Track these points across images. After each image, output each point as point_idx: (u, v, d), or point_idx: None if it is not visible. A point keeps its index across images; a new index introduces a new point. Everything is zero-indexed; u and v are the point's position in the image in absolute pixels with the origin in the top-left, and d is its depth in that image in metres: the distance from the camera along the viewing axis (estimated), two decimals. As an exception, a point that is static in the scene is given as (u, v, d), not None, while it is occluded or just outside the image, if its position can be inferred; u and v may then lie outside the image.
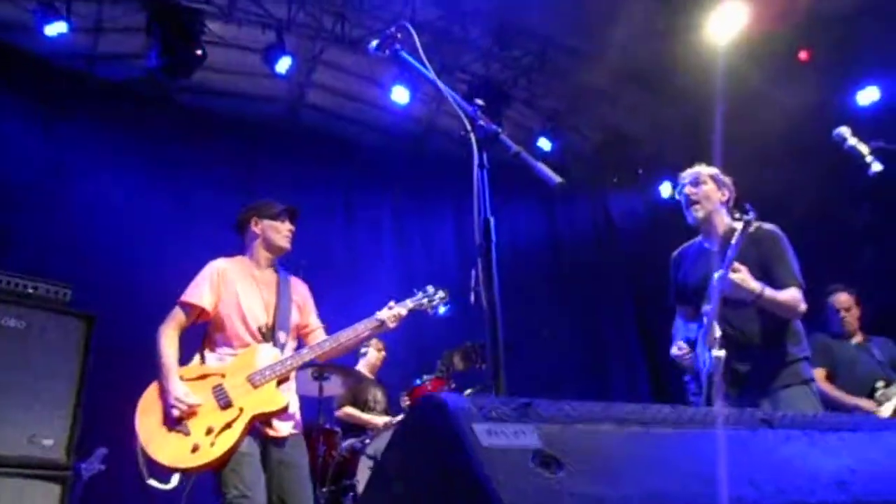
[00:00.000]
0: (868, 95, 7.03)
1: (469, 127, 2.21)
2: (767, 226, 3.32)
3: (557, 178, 2.11)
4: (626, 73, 7.88)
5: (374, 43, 2.59)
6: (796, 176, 6.32)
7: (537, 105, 8.47)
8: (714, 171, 3.48)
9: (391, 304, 3.49)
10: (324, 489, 4.73)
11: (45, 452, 3.96)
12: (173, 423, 3.05)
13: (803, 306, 3.20)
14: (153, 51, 6.27)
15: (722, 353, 3.08)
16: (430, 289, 3.62)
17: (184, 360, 3.27)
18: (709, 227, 3.43)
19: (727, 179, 3.48)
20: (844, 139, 3.05)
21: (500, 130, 2.20)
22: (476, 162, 2.14)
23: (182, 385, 3.11)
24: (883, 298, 5.71)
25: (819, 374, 4.55)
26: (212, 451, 3.00)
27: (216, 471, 3.04)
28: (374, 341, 5.90)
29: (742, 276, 3.08)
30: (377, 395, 5.85)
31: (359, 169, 8.40)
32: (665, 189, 8.91)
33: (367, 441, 4.90)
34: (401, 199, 8.80)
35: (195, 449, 3.00)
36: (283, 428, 3.24)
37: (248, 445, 3.09)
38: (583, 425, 1.12)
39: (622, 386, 9.38)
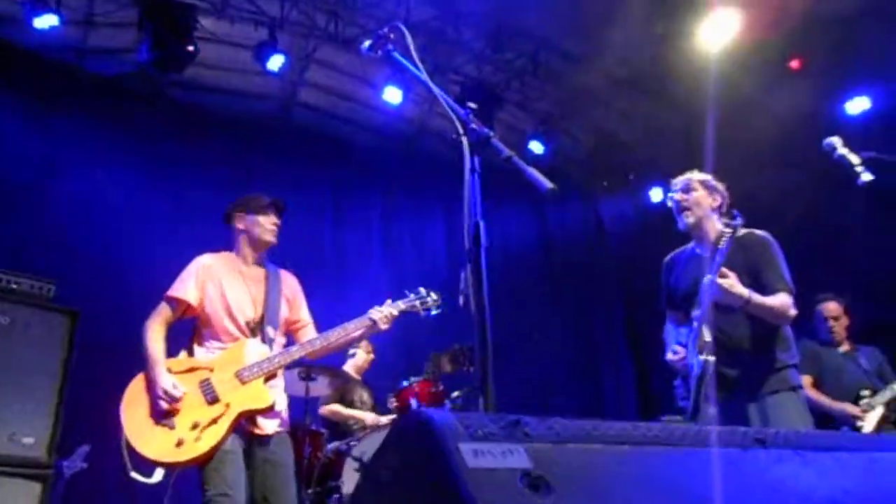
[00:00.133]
0: (858, 105, 7.06)
1: (461, 130, 2.19)
2: (758, 232, 3.35)
3: (549, 184, 2.09)
4: (620, 77, 7.89)
5: (367, 43, 2.57)
6: (788, 183, 6.34)
7: (530, 108, 8.46)
8: (705, 177, 3.49)
9: (387, 302, 3.46)
10: (309, 490, 4.70)
11: (26, 451, 3.92)
12: (159, 416, 3.03)
13: (793, 312, 3.21)
14: (144, 45, 6.21)
15: (711, 357, 3.09)
16: (423, 291, 3.57)
17: (170, 356, 3.23)
18: (700, 232, 3.44)
19: (719, 185, 3.48)
20: (835, 149, 3.06)
21: (491, 134, 2.18)
22: (467, 166, 2.12)
23: (170, 376, 3.09)
24: (871, 307, 5.73)
25: (805, 381, 4.55)
26: (196, 447, 2.98)
27: (200, 466, 3.01)
28: (363, 343, 5.88)
29: (730, 281, 3.09)
30: (363, 395, 5.84)
31: (350, 168, 8.36)
32: (655, 194, 8.94)
33: (353, 443, 4.88)
34: (391, 199, 8.78)
35: (180, 444, 2.97)
36: (268, 426, 3.21)
37: (231, 443, 3.06)
38: (573, 445, 1.10)
39: (611, 388, 9.40)
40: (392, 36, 2.50)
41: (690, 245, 3.56)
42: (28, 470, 3.91)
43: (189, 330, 3.39)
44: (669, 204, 3.54)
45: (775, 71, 6.98)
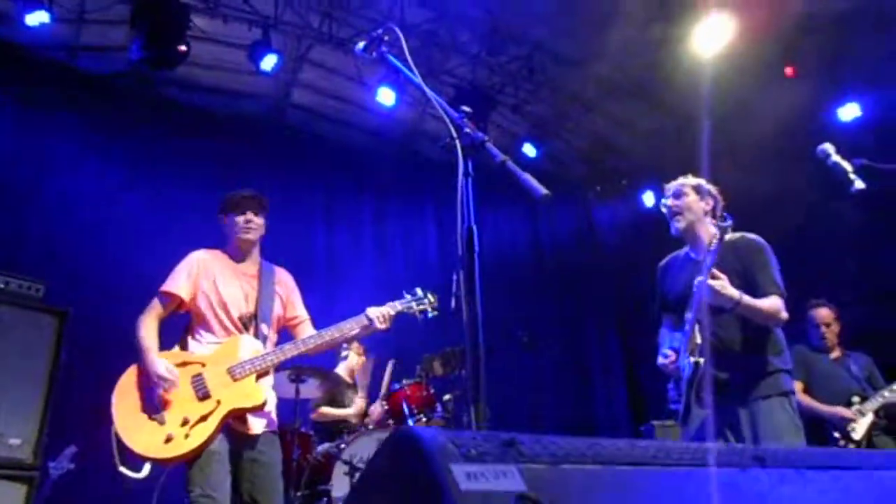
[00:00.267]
0: (849, 111, 7.09)
1: (455, 134, 2.17)
2: (750, 236, 3.37)
3: (543, 190, 2.07)
4: (614, 82, 7.90)
5: (361, 44, 2.56)
6: (781, 187, 6.35)
7: (524, 111, 8.45)
8: (697, 181, 3.50)
9: (387, 304, 3.43)
10: (298, 493, 4.66)
11: (12, 452, 3.89)
12: (150, 409, 3.01)
13: (784, 314, 3.21)
14: (135, 43, 6.15)
15: (701, 359, 3.09)
16: (420, 291, 3.52)
17: (163, 350, 3.20)
18: (693, 237, 3.45)
19: (712, 188, 3.49)
20: (828, 155, 3.06)
21: (486, 139, 2.16)
22: (461, 170, 2.10)
23: (163, 360, 3.07)
24: (862, 313, 5.76)
25: (796, 386, 4.57)
26: (185, 444, 2.96)
27: (188, 464, 2.99)
28: (354, 345, 5.86)
29: (721, 282, 3.10)
30: (354, 398, 5.82)
31: (342, 169, 8.34)
32: (649, 199, 8.95)
33: (343, 446, 4.85)
34: (384, 201, 8.75)
35: (169, 440, 2.95)
36: (256, 425, 3.19)
37: (217, 443, 3.04)
38: (569, 465, 1.06)
39: (603, 393, 9.39)
40: (386, 37, 2.49)
41: (684, 249, 3.57)
42: (14, 471, 3.88)
43: (182, 326, 3.37)
44: (663, 210, 3.55)
45: (768, 76, 7.00)
